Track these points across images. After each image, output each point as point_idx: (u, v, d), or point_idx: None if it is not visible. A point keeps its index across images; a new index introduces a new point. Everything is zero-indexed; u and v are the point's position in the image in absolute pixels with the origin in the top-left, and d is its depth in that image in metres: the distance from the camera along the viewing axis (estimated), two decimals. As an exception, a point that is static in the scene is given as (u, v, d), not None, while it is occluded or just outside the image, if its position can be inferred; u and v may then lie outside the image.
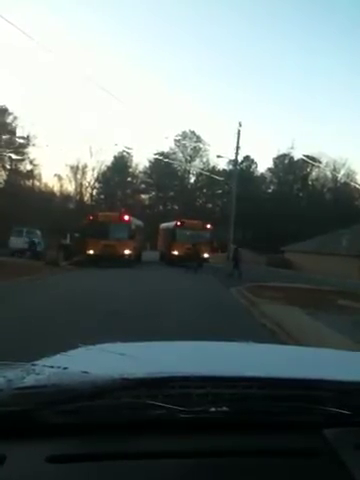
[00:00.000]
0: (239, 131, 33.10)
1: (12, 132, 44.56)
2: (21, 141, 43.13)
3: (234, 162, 37.19)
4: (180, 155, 60.91)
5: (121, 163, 59.22)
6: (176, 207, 59.58)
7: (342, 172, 56.48)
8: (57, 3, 74.68)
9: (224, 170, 54.99)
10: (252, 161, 60.49)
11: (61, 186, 55.12)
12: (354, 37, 77.87)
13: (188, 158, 60.99)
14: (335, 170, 55.76)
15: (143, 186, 62.40)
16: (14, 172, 46.46)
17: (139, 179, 62.28)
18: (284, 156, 59.45)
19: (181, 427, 1.07)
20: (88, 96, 79.38)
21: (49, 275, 18.75)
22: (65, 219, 37.84)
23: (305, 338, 7.87)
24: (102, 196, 59.06)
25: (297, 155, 54.44)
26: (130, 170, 61.45)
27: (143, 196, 63.67)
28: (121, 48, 78.57)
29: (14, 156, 42.99)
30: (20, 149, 44.61)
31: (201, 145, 57.84)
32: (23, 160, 46.34)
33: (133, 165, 61.34)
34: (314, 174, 60.69)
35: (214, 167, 56.92)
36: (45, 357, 1.37)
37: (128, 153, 54.55)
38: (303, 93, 77.63)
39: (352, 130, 79.65)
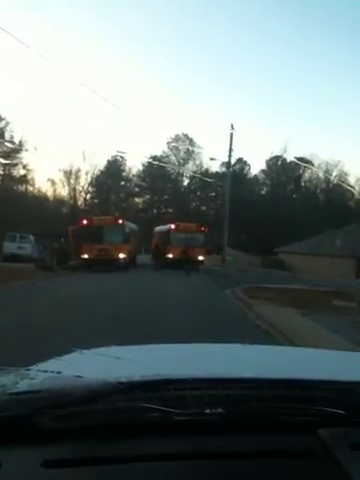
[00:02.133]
0: (231, 134, 33.28)
1: (3, 136, 44.44)
2: (13, 146, 43.04)
3: (227, 164, 37.34)
4: (173, 158, 60.99)
5: (114, 167, 59.21)
6: (170, 210, 59.62)
7: (334, 173, 56.89)
8: (48, 7, 74.67)
9: (217, 172, 55.11)
10: (245, 163, 60.72)
11: (54, 191, 55.11)
12: (348, 40, 78.46)
13: (181, 161, 61.07)
14: (327, 172, 56.13)
15: (137, 190, 62.40)
16: (7, 177, 46.35)
17: (133, 183, 62.30)
18: (277, 158, 59.70)
19: (177, 429, 1.06)
20: (81, 100, 79.25)
21: (44, 280, 18.69)
22: (59, 224, 37.75)
23: (300, 339, 7.88)
24: (96, 200, 59.02)
25: (290, 157, 54.82)
26: (123, 174, 61.46)
27: (137, 200, 63.69)
28: (114, 51, 78.74)
29: (6, 161, 42.84)
30: (12, 154, 44.50)
31: (194, 148, 58.00)
32: (16, 165, 46.26)
33: (126, 169, 61.47)
34: (307, 175, 61.02)
35: (207, 170, 57.05)
36: (39, 362, 1.36)
37: (121, 157, 54.72)
38: (296, 95, 78.23)
39: (344, 132, 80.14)
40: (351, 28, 79.32)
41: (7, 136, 44.44)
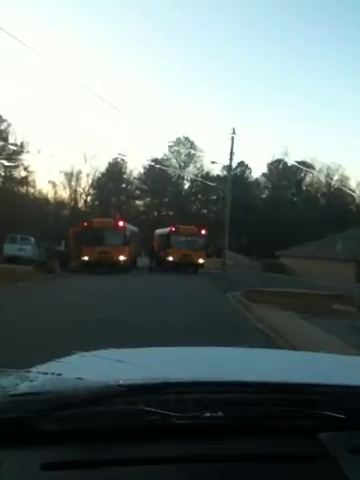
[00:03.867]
0: (233, 137, 33.39)
1: (5, 139, 44.52)
2: (15, 148, 43.08)
3: (228, 168, 37.42)
4: (174, 161, 61.06)
5: (115, 169, 59.23)
6: (171, 213, 59.62)
7: (336, 178, 56.90)
8: (51, 9, 74.98)
9: (218, 176, 55.15)
10: (246, 167, 60.74)
11: (55, 193, 55.07)
12: (350, 43, 78.51)
13: (182, 164, 61.12)
14: (328, 176, 56.15)
15: (138, 192, 62.42)
16: (8, 179, 46.40)
17: (134, 185, 62.31)
18: (278, 161, 59.73)
19: (176, 433, 1.06)
20: (82, 103, 79.54)
21: (45, 282, 18.70)
22: (59, 226, 37.79)
23: (300, 342, 7.87)
24: (96, 202, 59.02)
25: (291, 161, 54.84)
26: (124, 176, 61.49)
27: (137, 202, 63.69)
28: (115, 54, 78.87)
29: (8, 163, 42.92)
30: (14, 156, 44.57)
31: (195, 151, 58.06)
32: (17, 167, 46.33)
33: (127, 171, 61.48)
34: (308, 179, 61.04)
35: (208, 173, 57.10)
36: (39, 364, 1.36)
37: (122, 159, 54.68)
38: (297, 99, 78.16)
39: (345, 137, 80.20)
40: (353, 31, 79.56)
41: (9, 138, 44.58)
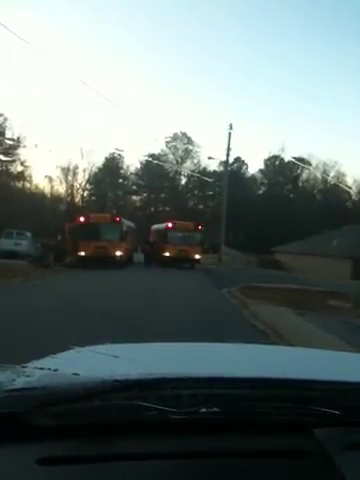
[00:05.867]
0: (230, 133, 33.37)
1: (2, 133, 44.33)
2: (11, 142, 42.92)
3: (225, 163, 37.41)
4: (171, 157, 60.95)
5: (112, 164, 59.09)
6: (167, 209, 59.57)
7: (332, 174, 56.99)
8: (49, 4, 74.46)
9: (215, 171, 55.11)
10: (243, 162, 60.73)
11: (52, 188, 54.88)
12: (347, 40, 78.39)
13: (179, 160, 61.01)
14: (325, 172, 56.24)
15: (134, 188, 62.32)
16: (4, 173, 46.24)
17: (130, 180, 62.20)
18: (275, 157, 59.73)
19: (172, 428, 1.07)
20: (79, 98, 79.11)
21: (40, 277, 18.66)
22: (56, 221, 37.69)
23: (295, 338, 7.90)
24: (93, 197, 58.89)
25: (288, 157, 54.86)
26: (121, 171, 61.36)
27: (134, 197, 63.61)
28: (113, 49, 78.54)
29: (4, 158, 42.76)
30: (10, 150, 44.39)
31: (192, 147, 57.95)
32: (14, 161, 46.15)
33: (124, 167, 61.35)
34: (304, 176, 61.07)
35: (205, 169, 57.01)
36: (35, 359, 1.36)
37: (119, 154, 54.53)
38: (294, 95, 78.23)
39: (342, 133, 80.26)
40: (350, 28, 79.44)
41: (6, 132, 44.39)
